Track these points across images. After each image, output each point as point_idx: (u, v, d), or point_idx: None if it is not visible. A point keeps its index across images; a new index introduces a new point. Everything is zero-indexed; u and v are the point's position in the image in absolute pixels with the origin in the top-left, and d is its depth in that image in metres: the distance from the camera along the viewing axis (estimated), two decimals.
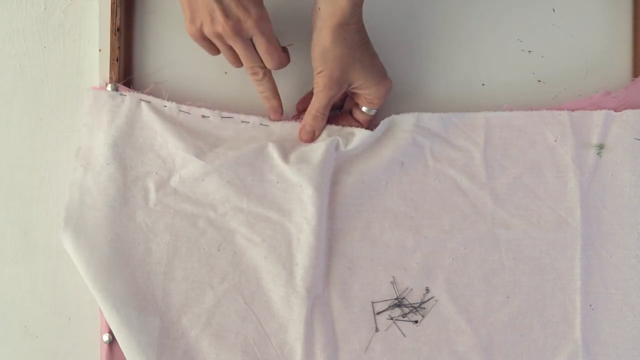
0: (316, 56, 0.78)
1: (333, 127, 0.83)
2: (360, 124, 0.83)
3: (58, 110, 0.86)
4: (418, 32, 0.84)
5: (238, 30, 0.75)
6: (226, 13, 0.74)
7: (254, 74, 0.80)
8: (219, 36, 0.77)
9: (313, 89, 0.81)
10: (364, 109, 0.82)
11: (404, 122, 0.83)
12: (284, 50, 0.81)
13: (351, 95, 0.83)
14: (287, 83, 0.86)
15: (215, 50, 0.80)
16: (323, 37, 0.76)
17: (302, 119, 0.83)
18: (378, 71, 0.80)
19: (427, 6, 0.86)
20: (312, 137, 0.82)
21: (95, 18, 0.85)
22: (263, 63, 0.79)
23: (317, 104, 0.80)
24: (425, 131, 0.83)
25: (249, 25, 0.75)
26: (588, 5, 0.87)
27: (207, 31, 0.76)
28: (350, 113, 0.84)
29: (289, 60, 0.81)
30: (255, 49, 0.78)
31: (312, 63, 0.79)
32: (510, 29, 0.87)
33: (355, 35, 0.77)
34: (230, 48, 0.78)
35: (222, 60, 0.81)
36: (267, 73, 0.80)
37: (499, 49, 0.87)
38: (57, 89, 0.86)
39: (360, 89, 0.80)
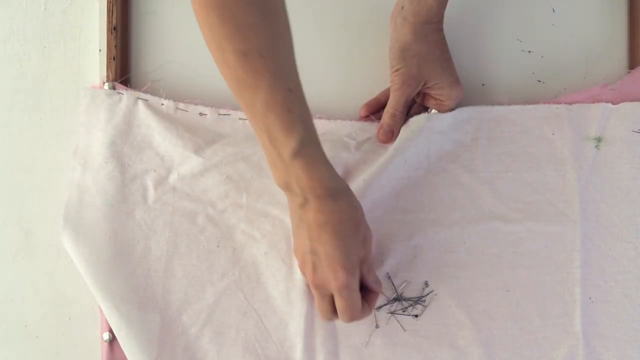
0: (395, 53, 0.77)
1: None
2: None
3: (58, 110, 0.86)
4: None
5: (319, 287, 0.72)
6: (314, 268, 0.71)
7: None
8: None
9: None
10: (432, 112, 0.81)
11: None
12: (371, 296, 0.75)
13: (421, 98, 0.82)
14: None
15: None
16: (404, 34, 0.76)
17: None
18: (453, 72, 0.79)
19: None
20: (391, 137, 0.81)
21: (95, 18, 0.85)
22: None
23: (395, 102, 0.79)
24: (426, 126, 0.83)
25: (332, 287, 0.70)
26: (588, 6, 0.87)
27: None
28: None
29: (367, 314, 0.75)
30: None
31: (390, 61, 0.78)
32: (510, 29, 0.87)
33: (437, 34, 0.77)
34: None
35: None
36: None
37: (499, 49, 0.87)
38: (57, 89, 0.86)
39: (434, 88, 0.79)
